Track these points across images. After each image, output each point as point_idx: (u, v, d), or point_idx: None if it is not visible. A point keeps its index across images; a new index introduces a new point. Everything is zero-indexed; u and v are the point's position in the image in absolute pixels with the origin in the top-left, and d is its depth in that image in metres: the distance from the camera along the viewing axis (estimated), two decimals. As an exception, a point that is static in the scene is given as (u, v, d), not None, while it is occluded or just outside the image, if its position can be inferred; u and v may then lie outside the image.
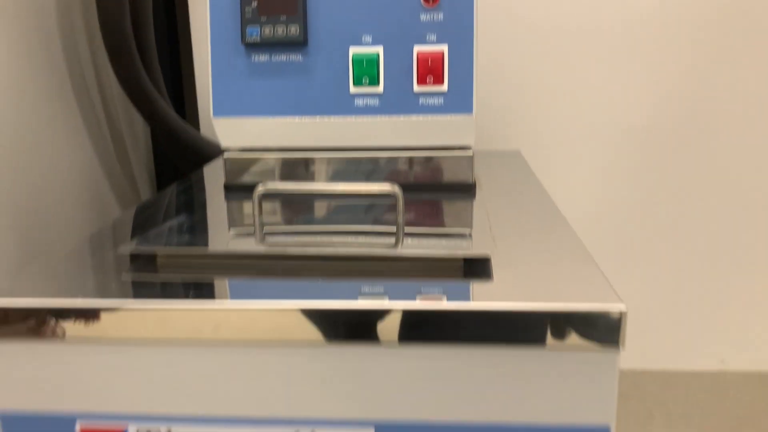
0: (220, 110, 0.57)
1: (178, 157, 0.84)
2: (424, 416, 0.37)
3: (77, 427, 0.38)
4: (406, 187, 0.45)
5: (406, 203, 0.52)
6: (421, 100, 0.55)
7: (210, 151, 0.84)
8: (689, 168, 0.94)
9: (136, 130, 0.91)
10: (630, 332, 1.07)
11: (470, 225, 0.48)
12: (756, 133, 0.92)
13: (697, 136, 0.93)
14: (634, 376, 1.04)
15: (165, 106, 0.80)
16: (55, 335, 0.37)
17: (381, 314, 0.35)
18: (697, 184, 0.94)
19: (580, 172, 0.95)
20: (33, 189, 0.68)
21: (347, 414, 0.37)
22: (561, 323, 0.35)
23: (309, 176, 0.59)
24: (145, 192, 0.92)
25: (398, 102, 0.55)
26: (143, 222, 0.52)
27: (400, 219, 0.47)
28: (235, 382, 0.37)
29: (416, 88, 0.55)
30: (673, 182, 0.95)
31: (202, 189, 0.64)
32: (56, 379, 0.38)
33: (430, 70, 0.55)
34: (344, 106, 0.56)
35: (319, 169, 0.59)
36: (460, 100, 0.55)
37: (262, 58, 0.56)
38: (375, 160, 0.58)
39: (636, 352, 1.03)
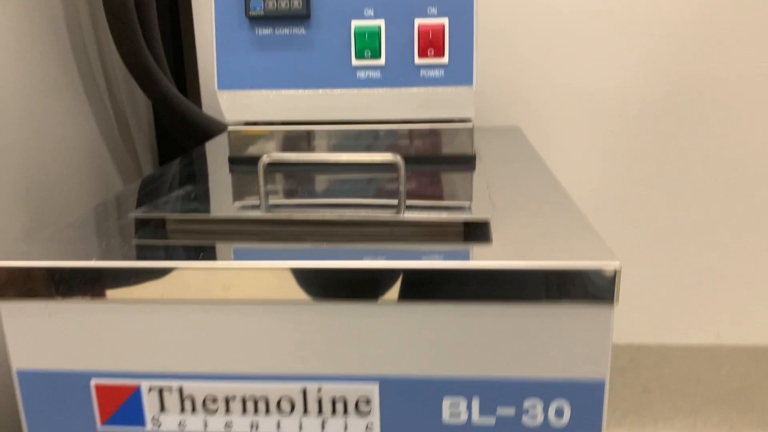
0: (225, 83, 0.58)
1: (180, 134, 0.85)
2: (426, 372, 0.38)
3: (92, 384, 0.40)
4: (407, 160, 0.47)
5: (408, 174, 0.53)
6: (422, 73, 0.56)
7: (212, 128, 0.85)
8: (687, 144, 0.95)
9: (138, 107, 0.92)
10: (627, 307, 1.09)
11: (470, 193, 0.49)
12: (754, 110, 0.93)
13: (695, 112, 0.94)
14: (630, 350, 1.06)
15: (167, 83, 0.81)
16: (69, 296, 0.38)
17: (384, 273, 0.37)
18: (695, 159, 0.95)
19: (578, 148, 0.96)
20: (40, 163, 0.69)
21: (352, 370, 0.38)
22: (557, 281, 0.36)
23: (311, 149, 0.61)
24: (148, 168, 0.94)
25: (399, 74, 0.56)
26: (150, 192, 0.53)
27: (402, 187, 0.48)
28: (244, 341, 0.38)
29: (417, 60, 0.56)
30: (671, 159, 0.96)
31: (206, 162, 0.65)
32: (71, 338, 0.39)
33: (431, 42, 0.55)
34: (346, 78, 0.57)
35: (321, 142, 0.60)
36: (460, 73, 0.56)
37: (266, 31, 0.57)
38: (376, 133, 0.60)
39: (633, 326, 1.05)
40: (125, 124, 0.88)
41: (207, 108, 0.97)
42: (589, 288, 0.36)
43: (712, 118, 0.94)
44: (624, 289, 1.02)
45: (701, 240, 0.99)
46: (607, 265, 0.36)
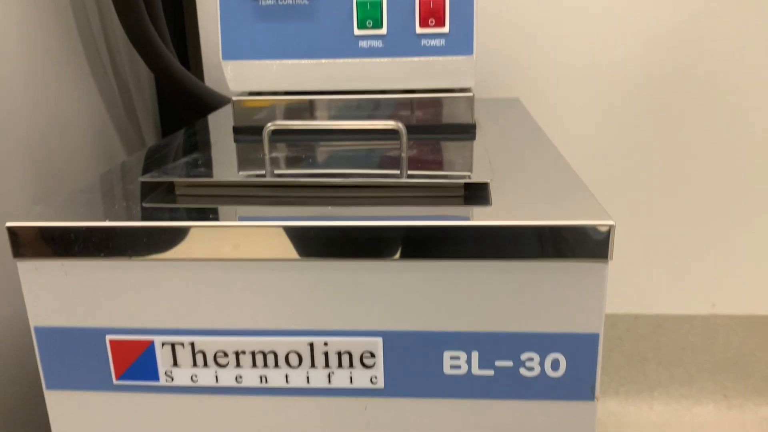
0: (229, 54, 0.59)
1: (182, 107, 0.86)
2: (427, 326, 0.40)
3: (107, 340, 0.41)
4: (408, 129, 0.48)
5: (409, 143, 0.55)
6: (423, 42, 0.57)
7: (214, 101, 0.86)
8: (685, 117, 0.96)
9: (141, 80, 0.93)
10: (624, 278, 1.11)
11: (470, 159, 0.51)
12: (754, 85, 0.94)
13: (695, 86, 0.94)
14: (628, 320, 1.08)
15: (170, 56, 0.82)
16: (84, 255, 0.40)
17: (387, 232, 0.38)
18: (693, 132, 0.96)
19: (577, 121, 0.97)
20: (45, 136, 0.70)
21: (357, 325, 0.40)
22: (554, 239, 0.37)
23: (314, 119, 0.62)
24: (151, 141, 0.95)
25: (401, 44, 0.57)
26: (156, 160, 0.54)
27: (404, 154, 0.50)
28: (253, 297, 0.40)
29: (418, 29, 0.57)
30: (669, 132, 0.97)
31: (211, 132, 0.66)
32: (86, 296, 0.41)
33: (432, 12, 0.56)
34: (348, 48, 0.58)
35: (324, 112, 0.62)
36: (460, 42, 0.57)
37: (269, 1, 0.58)
38: (377, 103, 0.61)
39: (630, 297, 1.06)
40: (128, 97, 0.89)
41: (209, 82, 0.98)
42: (584, 245, 0.37)
43: (712, 91, 0.95)
44: (621, 260, 1.04)
45: (697, 211, 1.01)
46: (602, 222, 0.37)
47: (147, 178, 0.45)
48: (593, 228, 0.37)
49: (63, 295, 0.41)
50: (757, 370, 1.07)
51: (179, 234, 0.39)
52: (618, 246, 1.02)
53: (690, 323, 1.07)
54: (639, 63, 0.94)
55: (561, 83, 0.95)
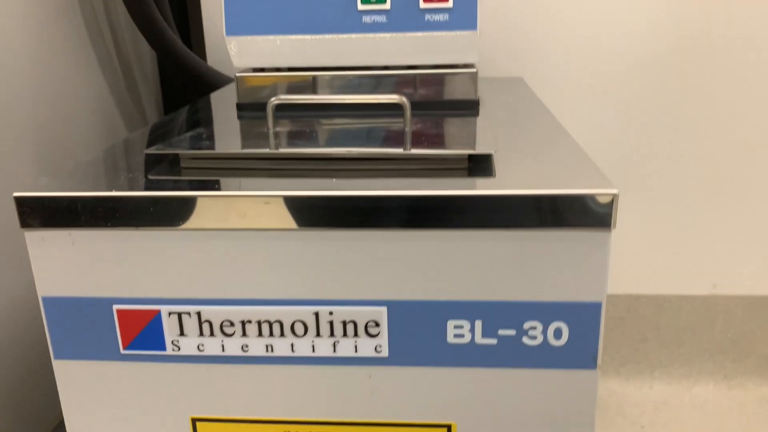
0: (232, 29, 0.59)
1: (185, 86, 0.86)
2: (431, 296, 0.40)
3: (114, 310, 0.42)
4: (411, 105, 0.48)
5: (412, 119, 0.55)
6: (427, 17, 0.57)
7: (217, 81, 0.86)
8: (689, 97, 0.96)
9: (144, 60, 0.93)
10: (625, 258, 1.11)
11: (474, 133, 0.51)
12: (759, 63, 0.93)
13: (700, 64, 0.94)
14: (628, 300, 1.08)
15: (172, 35, 0.82)
16: (91, 225, 0.40)
17: (392, 201, 0.38)
18: (696, 111, 0.96)
19: (580, 99, 0.97)
20: (47, 114, 0.70)
21: (362, 295, 0.40)
22: (558, 208, 0.38)
23: (317, 95, 0.62)
24: (153, 120, 0.95)
25: (405, 19, 0.57)
26: (160, 135, 0.54)
27: (408, 128, 0.50)
28: (259, 267, 0.40)
29: (422, 4, 0.57)
30: (672, 112, 0.97)
31: (214, 109, 0.66)
32: (93, 266, 0.41)
33: (435, -13, 0.56)
34: (352, 23, 0.58)
35: (327, 89, 0.62)
36: (464, 17, 0.57)
37: (272, -24, 0.57)
38: (380, 79, 0.61)
39: (631, 277, 1.07)
40: (131, 76, 0.89)
41: (212, 63, 0.98)
42: (587, 214, 0.38)
43: (716, 70, 0.94)
44: (622, 240, 1.04)
45: (699, 191, 1.01)
46: (605, 191, 0.37)
47: (152, 150, 0.45)
48: (596, 196, 0.37)
49: (70, 265, 0.41)
50: (758, 350, 1.08)
51: (185, 204, 0.39)
52: (619, 226, 1.02)
53: (691, 303, 1.07)
54: (643, 40, 0.94)
55: (565, 62, 0.95)
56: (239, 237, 0.40)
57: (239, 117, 0.60)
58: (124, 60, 0.88)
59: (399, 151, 0.44)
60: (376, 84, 0.61)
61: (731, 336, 1.08)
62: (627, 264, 1.06)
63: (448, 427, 0.43)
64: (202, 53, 0.97)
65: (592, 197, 0.37)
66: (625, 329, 1.10)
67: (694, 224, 1.03)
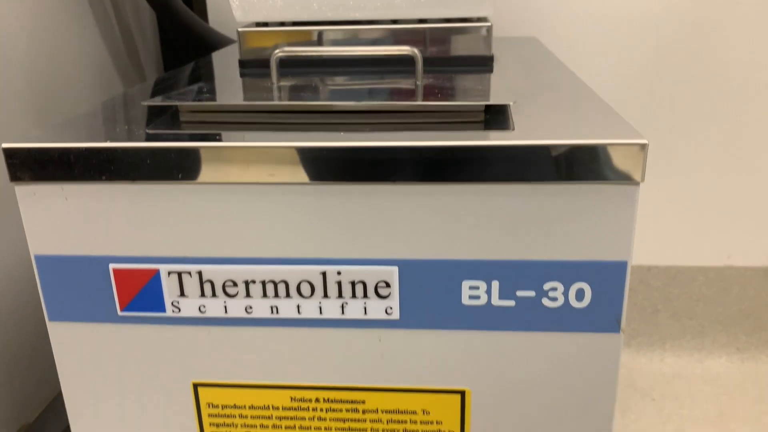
0: (234, -20, 0.56)
1: (185, 47, 0.83)
2: (445, 255, 0.38)
3: (110, 269, 0.40)
4: (423, 61, 0.45)
5: (423, 74, 0.52)
6: (439, -34, 0.54)
7: (217, 41, 0.83)
8: (706, 62, 0.92)
9: (143, 19, 0.90)
10: (638, 228, 1.09)
11: (488, 86, 0.48)
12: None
13: (718, 28, 0.91)
14: (641, 272, 1.06)
15: (173, -6, 0.79)
16: (84, 179, 0.38)
17: (403, 152, 0.36)
18: (713, 79, 0.93)
19: (594, 60, 0.93)
20: (46, 73, 0.68)
21: (372, 254, 0.38)
22: (583, 159, 0.35)
23: (324, 52, 0.59)
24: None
25: (415, -32, 0.54)
26: (161, 90, 0.52)
27: (419, 81, 0.47)
28: (264, 224, 0.38)
29: (434, -48, 0.53)
30: (688, 79, 0.93)
31: (216, 67, 0.63)
32: (88, 222, 0.39)
33: (448, -66, 0.53)
34: (360, -27, 0.55)
35: (333, 45, 0.59)
36: (478, -34, 0.54)
37: None
38: (389, 33, 0.58)
39: (644, 248, 1.04)
40: (130, 37, 0.86)
41: (213, 23, 0.95)
42: (615, 166, 0.35)
43: (734, 35, 0.91)
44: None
45: (714, 161, 0.98)
46: (634, 141, 0.35)
47: (150, 102, 0.43)
48: (625, 146, 0.35)
49: (63, 221, 0.39)
50: (771, 322, 1.06)
51: (184, 156, 0.37)
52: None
53: (704, 275, 1.05)
54: (659, 3, 0.90)
55: (580, 20, 0.91)
56: (242, 191, 0.37)
57: (242, 74, 0.58)
58: (122, 19, 0.85)
59: (410, 103, 0.41)
60: (385, 39, 0.58)
61: (745, 308, 1.06)
62: (639, 235, 1.04)
63: (462, 394, 0.41)
64: (203, 14, 0.94)
65: (620, 147, 0.35)
66: (637, 301, 1.07)
67: (709, 195, 1.00)
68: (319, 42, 0.59)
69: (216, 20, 0.94)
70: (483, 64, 0.57)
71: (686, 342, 1.08)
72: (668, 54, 0.92)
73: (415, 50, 0.46)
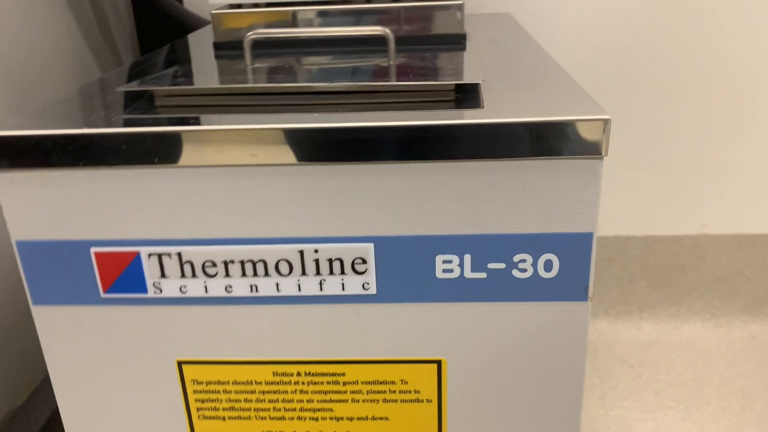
0: (206, -38, 0.56)
1: (161, 29, 0.83)
2: (419, 230, 0.39)
3: (92, 253, 0.40)
4: (396, 40, 0.46)
5: (396, 54, 0.53)
6: (410, -55, 0.54)
7: (193, 24, 0.83)
8: (678, 35, 0.94)
9: (118, 2, 0.89)
10: (614, 199, 1.11)
11: (461, 65, 0.49)
12: (754, 7, 0.91)
13: (686, 3, 0.92)
14: (617, 241, 1.08)
15: (147, -24, 0.79)
16: (62, 165, 0.38)
17: (376, 132, 0.37)
18: (685, 49, 0.94)
19: (567, 35, 0.94)
20: (19, 58, 0.68)
21: (348, 231, 0.39)
22: (548, 135, 0.36)
23: (298, 32, 0.59)
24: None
25: (386, -53, 0.54)
26: (136, 74, 0.52)
27: (392, 61, 0.48)
28: (240, 205, 0.39)
29: (404, -69, 0.54)
30: (661, 50, 0.95)
31: (191, 49, 0.64)
32: (68, 207, 0.39)
33: None
34: (332, -47, 0.55)
35: (307, 26, 0.59)
36: (448, -55, 0.54)
37: None
38: (363, 13, 0.58)
39: (620, 218, 1.07)
40: (105, 20, 0.86)
41: (188, 5, 0.94)
42: (579, 141, 0.36)
43: (705, 11, 0.92)
44: (610, 182, 1.03)
45: (687, 131, 1.00)
46: (597, 117, 0.36)
47: (125, 88, 0.43)
48: (588, 122, 0.36)
49: (43, 207, 0.39)
50: (745, 288, 1.09)
51: (161, 140, 0.38)
52: (607, 167, 1.01)
53: (680, 243, 1.07)
54: (633, -24, 0.91)
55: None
56: (218, 174, 0.38)
57: (217, 56, 0.58)
58: (97, 3, 0.84)
59: (383, 83, 0.42)
60: (359, 19, 0.59)
61: (720, 275, 1.09)
62: (616, 206, 1.06)
63: (439, 363, 0.42)
64: (178, -4, 0.94)
65: (583, 123, 0.36)
66: (614, 271, 1.10)
67: (683, 164, 1.02)
68: (294, 22, 0.59)
69: (191, 1, 0.94)
70: (456, 42, 0.58)
71: (663, 309, 1.10)
72: (641, 28, 0.94)
73: (387, 30, 0.47)
